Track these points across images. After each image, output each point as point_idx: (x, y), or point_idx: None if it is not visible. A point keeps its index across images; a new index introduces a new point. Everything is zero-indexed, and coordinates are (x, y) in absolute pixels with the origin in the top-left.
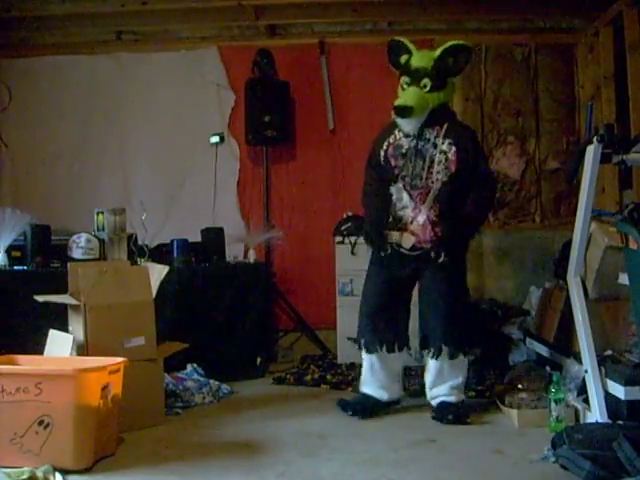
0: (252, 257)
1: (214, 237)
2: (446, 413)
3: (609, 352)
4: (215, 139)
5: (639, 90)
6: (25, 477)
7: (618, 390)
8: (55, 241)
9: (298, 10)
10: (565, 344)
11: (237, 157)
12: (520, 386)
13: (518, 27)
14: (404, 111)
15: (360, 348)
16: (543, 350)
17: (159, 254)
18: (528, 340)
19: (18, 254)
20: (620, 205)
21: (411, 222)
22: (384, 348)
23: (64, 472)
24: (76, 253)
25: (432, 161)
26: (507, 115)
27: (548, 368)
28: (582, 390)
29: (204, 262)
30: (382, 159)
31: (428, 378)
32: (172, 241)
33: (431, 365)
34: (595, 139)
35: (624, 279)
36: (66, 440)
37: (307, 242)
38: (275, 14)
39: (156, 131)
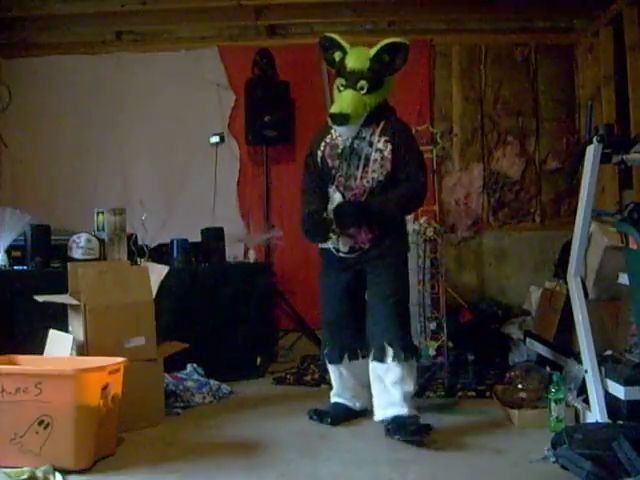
0: (252, 257)
1: (214, 237)
2: (403, 428)
3: (609, 352)
4: (215, 139)
5: (639, 90)
6: (25, 477)
7: (618, 390)
8: (55, 241)
9: (298, 10)
10: (565, 344)
11: (237, 157)
12: (520, 386)
13: (518, 27)
14: (341, 119)
15: (324, 361)
16: (543, 350)
17: (159, 254)
18: (528, 340)
19: (18, 254)
20: (620, 205)
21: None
22: (346, 357)
23: (64, 472)
24: (76, 253)
25: (367, 160)
26: (507, 115)
27: (548, 368)
28: (582, 390)
29: (204, 262)
30: (319, 160)
31: (374, 390)
32: (172, 241)
33: (376, 372)
34: (595, 139)
35: (624, 279)
36: (66, 440)
37: (307, 242)
38: (275, 14)
39: (156, 131)
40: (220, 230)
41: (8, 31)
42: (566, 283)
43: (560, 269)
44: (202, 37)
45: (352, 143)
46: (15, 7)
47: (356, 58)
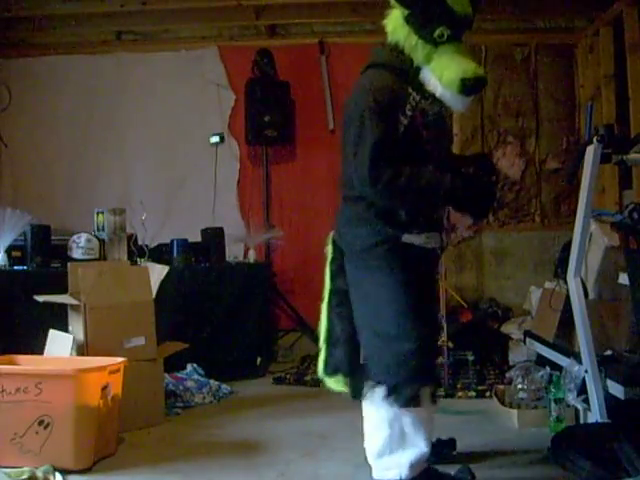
0: (252, 257)
1: (214, 237)
2: None
3: (609, 352)
4: (215, 139)
5: (639, 90)
6: (25, 477)
7: (618, 390)
8: (55, 241)
9: (298, 10)
10: (565, 344)
11: (237, 157)
12: (520, 386)
13: (518, 27)
14: (481, 85)
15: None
16: (543, 350)
17: (159, 254)
18: (528, 340)
19: (18, 254)
20: (620, 205)
21: (447, 217)
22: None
23: (64, 472)
24: (76, 253)
25: (449, 133)
26: (507, 115)
27: (548, 368)
28: (582, 390)
29: (204, 262)
30: (408, 130)
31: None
32: (172, 241)
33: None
34: (595, 139)
35: (624, 279)
36: (66, 440)
37: (307, 242)
38: (275, 14)
39: (156, 131)
40: (220, 230)
41: (8, 31)
42: (566, 283)
43: (560, 269)
44: (202, 37)
45: (440, 109)
46: (15, 7)
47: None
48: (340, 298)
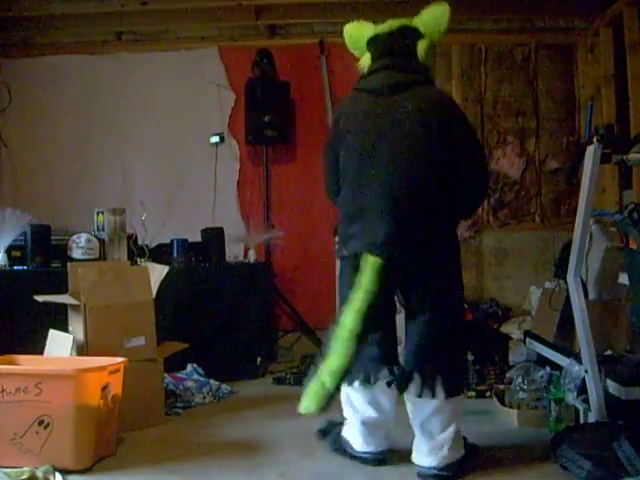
0: (252, 257)
1: (214, 237)
2: None
3: (609, 352)
4: (215, 139)
5: (639, 90)
6: (25, 477)
7: (618, 390)
8: (55, 241)
9: (298, 10)
10: (565, 344)
11: (237, 157)
12: (520, 386)
13: (518, 27)
14: None
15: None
16: (543, 350)
17: (159, 254)
18: (528, 340)
19: (18, 254)
20: (620, 205)
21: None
22: None
23: (64, 472)
24: (76, 253)
25: None
26: (507, 115)
27: (548, 368)
28: (582, 390)
29: (204, 262)
30: None
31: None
32: (172, 241)
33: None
34: (595, 139)
35: (624, 279)
36: (66, 440)
37: (307, 242)
38: (275, 14)
39: (156, 131)
40: (220, 230)
41: (8, 31)
42: (566, 283)
43: (560, 269)
44: (202, 37)
45: None
46: (15, 7)
47: None
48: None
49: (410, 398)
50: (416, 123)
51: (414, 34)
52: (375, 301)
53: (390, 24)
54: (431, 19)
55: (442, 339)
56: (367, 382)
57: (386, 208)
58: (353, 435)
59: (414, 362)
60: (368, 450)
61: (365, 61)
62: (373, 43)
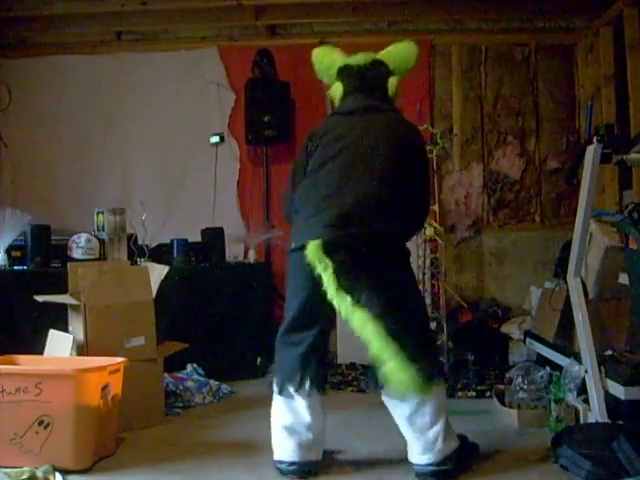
0: (252, 257)
1: (214, 237)
2: None
3: (609, 352)
4: (215, 139)
5: (639, 90)
6: (25, 477)
7: (618, 390)
8: (55, 241)
9: (298, 10)
10: (565, 344)
11: (237, 157)
12: (520, 386)
13: (518, 27)
14: None
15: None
16: (543, 350)
17: (159, 254)
18: (528, 340)
19: (18, 254)
20: (620, 205)
21: None
22: None
23: (64, 472)
24: (76, 253)
25: None
26: (507, 115)
27: (548, 368)
28: (582, 390)
29: (204, 262)
30: None
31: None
32: (172, 241)
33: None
34: (595, 139)
35: (624, 279)
36: (66, 440)
37: None
38: (275, 14)
39: (156, 131)
40: (220, 230)
41: (8, 31)
42: (566, 283)
43: (560, 269)
44: (202, 37)
45: None
46: (15, 7)
47: None
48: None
49: (388, 398)
50: (387, 137)
51: (385, 70)
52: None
53: (363, 57)
54: (401, 57)
55: (409, 332)
56: (289, 395)
57: (334, 200)
58: (275, 443)
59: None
60: (282, 459)
61: (336, 91)
62: (346, 74)
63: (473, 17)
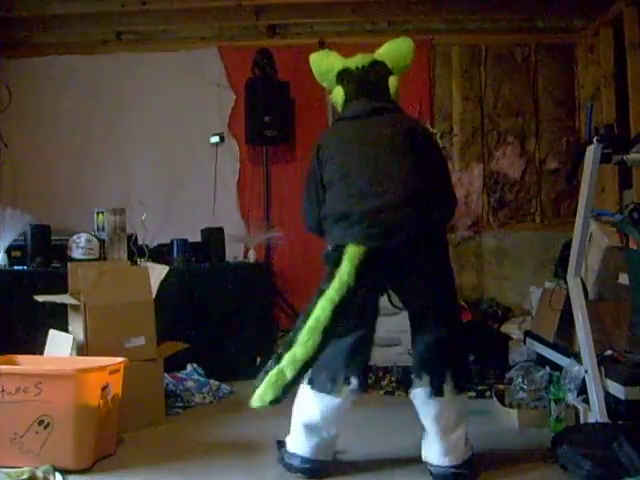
0: (252, 257)
1: (214, 237)
2: None
3: (609, 352)
4: (215, 139)
5: (639, 90)
6: (25, 477)
7: (618, 390)
8: (55, 241)
9: (298, 10)
10: (565, 344)
11: (237, 157)
12: (520, 386)
13: (518, 27)
14: None
15: None
16: (543, 350)
17: (159, 254)
18: (528, 340)
19: (18, 254)
20: (620, 205)
21: None
22: None
23: (64, 472)
24: (76, 253)
25: None
26: (507, 115)
27: (548, 368)
28: (582, 390)
29: (204, 262)
30: None
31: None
32: (172, 241)
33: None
34: (595, 139)
35: (624, 279)
36: (66, 440)
37: (307, 242)
38: (275, 14)
39: (156, 131)
40: (220, 230)
41: (8, 31)
42: (566, 283)
43: (560, 269)
44: (202, 37)
45: None
46: (15, 7)
47: None
48: None
49: (419, 398)
50: (398, 135)
51: (384, 70)
52: (350, 293)
53: (361, 59)
54: (398, 54)
55: (449, 337)
56: (328, 391)
57: (371, 205)
58: (293, 436)
59: (424, 362)
60: (297, 453)
61: (338, 96)
62: (346, 78)
63: (473, 17)
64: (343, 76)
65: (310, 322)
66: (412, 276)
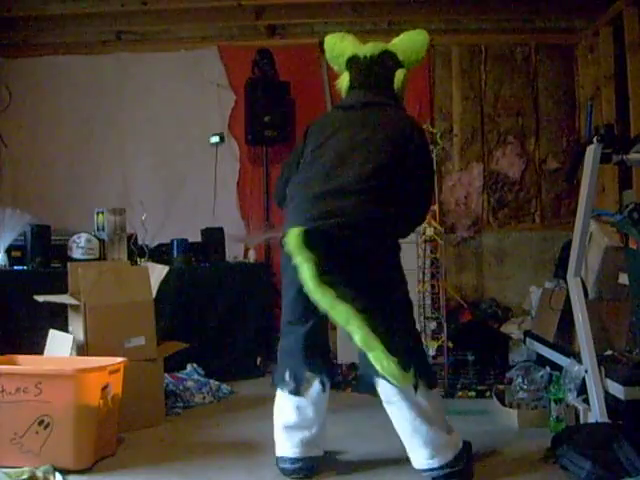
0: (252, 257)
1: (214, 237)
2: None
3: (609, 352)
4: (215, 139)
5: (639, 90)
6: (25, 477)
7: (618, 390)
8: (55, 241)
9: (298, 10)
10: (565, 344)
11: (237, 157)
12: (520, 386)
13: (518, 27)
14: None
15: None
16: (543, 350)
17: (159, 254)
18: (528, 340)
19: (18, 254)
20: (620, 205)
21: None
22: None
23: (64, 472)
24: (76, 253)
25: None
26: (507, 115)
27: (548, 368)
28: (582, 390)
29: (204, 262)
30: None
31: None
32: (172, 241)
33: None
34: (595, 139)
35: (624, 279)
36: (66, 440)
37: None
38: (275, 14)
39: (156, 131)
40: (220, 230)
41: (8, 31)
42: (566, 283)
43: (560, 269)
44: (202, 37)
45: None
46: (15, 7)
47: None
48: None
49: (391, 402)
50: (378, 130)
51: (393, 62)
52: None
53: (372, 48)
54: (411, 47)
55: (400, 332)
56: (293, 392)
57: (320, 189)
58: (277, 439)
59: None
60: (285, 455)
61: (343, 82)
62: (354, 65)
63: (473, 17)
64: (352, 63)
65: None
66: (349, 269)
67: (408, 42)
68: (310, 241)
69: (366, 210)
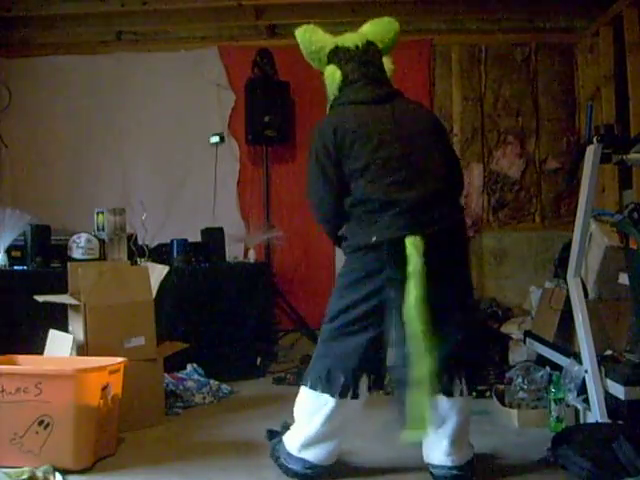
0: (252, 257)
1: (214, 237)
2: None
3: (609, 352)
4: (215, 139)
5: (639, 90)
6: (25, 477)
7: (618, 390)
8: (55, 241)
9: (298, 10)
10: (565, 344)
11: (237, 157)
12: (520, 386)
13: (518, 27)
14: None
15: None
16: (543, 350)
17: (159, 254)
18: (528, 340)
19: (18, 254)
20: (620, 205)
21: None
22: None
23: (64, 472)
24: (76, 253)
25: None
26: (507, 115)
27: (548, 368)
28: (582, 390)
29: (204, 262)
30: None
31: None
32: (172, 241)
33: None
34: (595, 139)
35: (624, 279)
36: (66, 440)
37: (307, 242)
38: (275, 14)
39: (156, 131)
40: (220, 230)
41: (8, 31)
42: (566, 283)
43: (560, 269)
44: (202, 37)
45: None
46: (15, 7)
47: None
48: None
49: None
50: (425, 123)
51: (378, 50)
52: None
53: (356, 38)
54: (384, 33)
55: (467, 336)
56: (343, 396)
57: (418, 193)
58: (295, 438)
59: (443, 362)
60: (306, 458)
61: (334, 76)
62: (343, 58)
63: (473, 17)
64: (338, 55)
65: (415, 333)
66: (447, 266)
67: (382, 30)
68: (426, 249)
69: (453, 213)
